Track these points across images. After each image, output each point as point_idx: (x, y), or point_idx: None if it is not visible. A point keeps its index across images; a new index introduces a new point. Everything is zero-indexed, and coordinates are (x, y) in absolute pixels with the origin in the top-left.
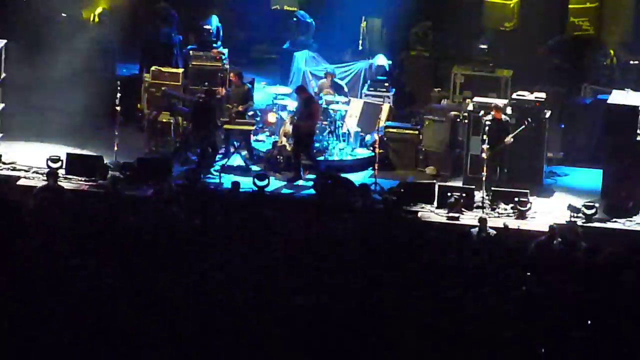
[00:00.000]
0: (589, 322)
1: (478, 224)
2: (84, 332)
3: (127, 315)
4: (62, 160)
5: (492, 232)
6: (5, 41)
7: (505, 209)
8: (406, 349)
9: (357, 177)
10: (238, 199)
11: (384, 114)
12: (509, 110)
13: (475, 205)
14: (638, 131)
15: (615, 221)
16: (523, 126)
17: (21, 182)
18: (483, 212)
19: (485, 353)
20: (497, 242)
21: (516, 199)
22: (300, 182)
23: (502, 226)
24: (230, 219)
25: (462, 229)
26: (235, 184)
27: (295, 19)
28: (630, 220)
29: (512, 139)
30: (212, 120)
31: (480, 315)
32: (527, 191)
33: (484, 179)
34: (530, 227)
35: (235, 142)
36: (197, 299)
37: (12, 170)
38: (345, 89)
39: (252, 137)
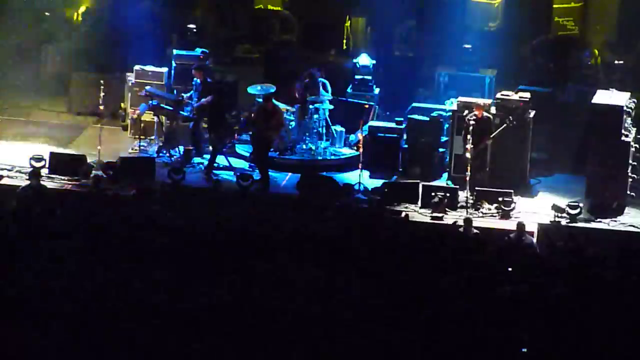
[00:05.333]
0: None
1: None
2: (69, 330)
3: (111, 314)
4: (45, 160)
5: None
6: None
7: (490, 209)
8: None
9: (341, 177)
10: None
11: (368, 114)
12: (493, 110)
13: (459, 205)
14: (622, 131)
15: (599, 221)
16: (504, 125)
17: (4, 181)
18: (467, 212)
19: (465, 352)
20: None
21: (500, 199)
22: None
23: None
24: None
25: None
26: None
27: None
28: (615, 221)
29: (490, 140)
30: (223, 118)
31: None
32: (512, 191)
33: (467, 178)
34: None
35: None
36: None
37: None
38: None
39: (236, 137)
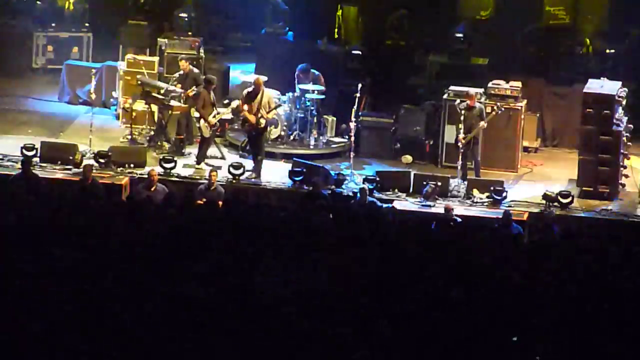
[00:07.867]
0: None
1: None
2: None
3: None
4: (36, 149)
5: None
6: None
7: (481, 198)
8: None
9: (333, 166)
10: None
11: (359, 103)
12: (484, 99)
13: (450, 194)
14: (614, 120)
15: (591, 210)
16: (492, 112)
17: None
18: (458, 200)
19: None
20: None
21: (492, 188)
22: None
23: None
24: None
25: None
26: None
27: (271, 6)
28: (606, 210)
29: (485, 125)
30: (214, 107)
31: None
32: (503, 180)
33: (459, 167)
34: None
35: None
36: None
37: None
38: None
39: (228, 126)
